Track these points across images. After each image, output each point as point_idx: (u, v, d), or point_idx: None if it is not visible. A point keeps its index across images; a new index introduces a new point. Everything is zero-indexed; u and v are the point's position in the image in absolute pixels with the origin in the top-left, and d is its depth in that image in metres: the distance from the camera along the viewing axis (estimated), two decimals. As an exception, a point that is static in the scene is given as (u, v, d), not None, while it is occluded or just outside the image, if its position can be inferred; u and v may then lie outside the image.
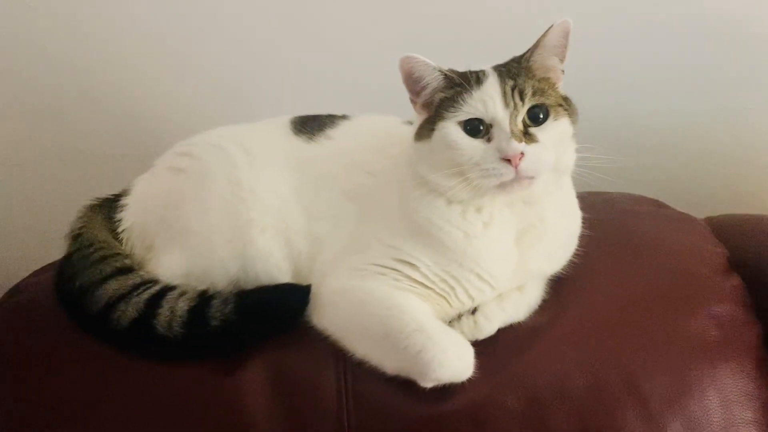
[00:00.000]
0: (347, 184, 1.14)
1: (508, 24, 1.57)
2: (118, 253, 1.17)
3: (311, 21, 1.65)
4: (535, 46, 1.04)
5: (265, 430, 0.99)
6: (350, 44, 1.67)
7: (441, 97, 1.03)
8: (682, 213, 1.36)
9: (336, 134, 1.22)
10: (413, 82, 1.04)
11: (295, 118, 1.28)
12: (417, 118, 1.08)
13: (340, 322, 1.04)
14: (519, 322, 1.09)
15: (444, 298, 1.05)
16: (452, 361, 0.96)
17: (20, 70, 1.65)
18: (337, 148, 1.19)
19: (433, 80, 1.03)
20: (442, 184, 1.02)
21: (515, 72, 1.02)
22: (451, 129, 1.00)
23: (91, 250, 1.17)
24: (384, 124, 1.24)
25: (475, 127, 0.99)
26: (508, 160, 0.96)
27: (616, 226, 1.26)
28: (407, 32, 1.61)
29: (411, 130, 1.08)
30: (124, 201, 1.25)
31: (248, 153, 1.17)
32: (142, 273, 1.14)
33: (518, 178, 0.97)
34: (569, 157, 1.05)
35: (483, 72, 1.04)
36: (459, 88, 1.01)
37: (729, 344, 1.08)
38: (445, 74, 1.03)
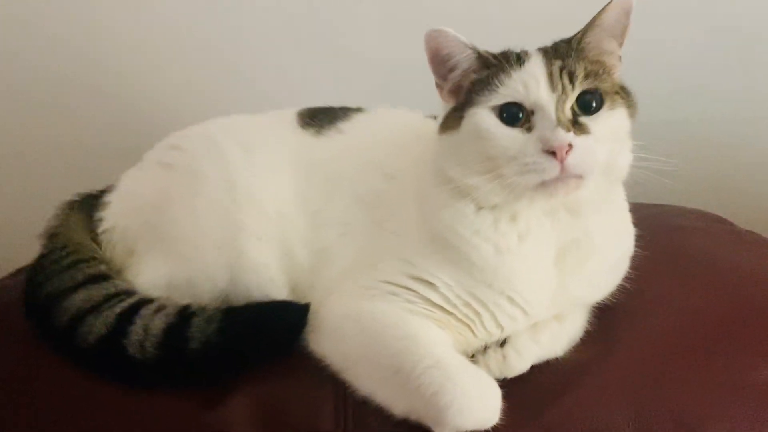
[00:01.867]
0: (361, 187, 0.98)
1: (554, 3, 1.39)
2: (94, 258, 1.02)
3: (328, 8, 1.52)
4: (590, 25, 0.88)
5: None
6: (370, 32, 1.53)
7: (473, 80, 0.87)
8: (751, 232, 1.18)
9: (349, 128, 1.06)
10: (440, 62, 0.88)
11: (304, 109, 1.12)
12: (443, 107, 0.91)
13: (342, 350, 0.87)
14: (557, 359, 0.91)
15: (467, 326, 0.88)
16: (474, 407, 0.79)
17: (24, 59, 1.55)
18: (349, 145, 1.03)
19: (465, 59, 0.87)
20: (470, 184, 0.85)
21: (564, 52, 0.86)
22: (483, 115, 0.84)
23: (64, 253, 1.03)
24: (404, 118, 1.08)
25: (514, 115, 0.83)
26: (553, 153, 0.79)
27: (672, 245, 1.09)
28: (434, 14, 1.44)
29: (436, 124, 0.92)
30: (107, 198, 1.10)
31: (246, 149, 1.02)
32: (117, 282, 0.98)
33: (564, 176, 0.80)
34: (625, 158, 0.88)
35: (525, 52, 0.87)
36: (495, 69, 0.85)
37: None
38: (480, 53, 0.87)
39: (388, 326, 0.85)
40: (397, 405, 0.82)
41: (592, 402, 0.86)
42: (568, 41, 0.89)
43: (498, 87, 0.84)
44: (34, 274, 1.02)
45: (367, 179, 0.98)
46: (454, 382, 0.79)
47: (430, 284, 0.87)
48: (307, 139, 1.05)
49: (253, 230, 0.96)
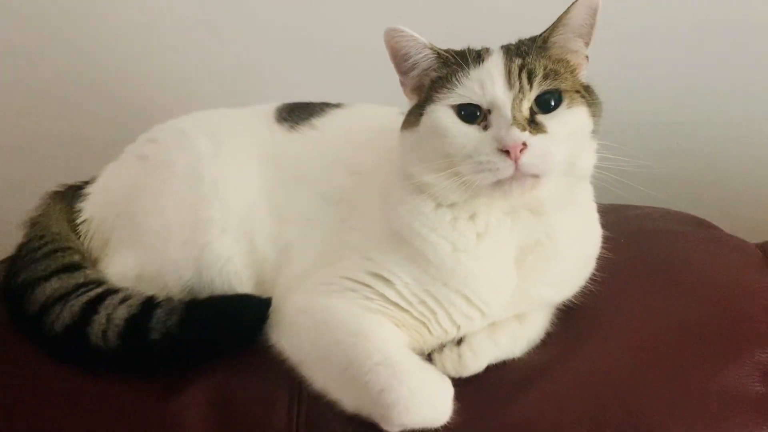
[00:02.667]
0: (327, 184, 0.98)
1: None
2: (70, 248, 1.04)
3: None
4: (556, 23, 0.87)
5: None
6: (364, 25, 1.51)
7: (433, 78, 0.87)
8: (732, 236, 1.15)
9: (322, 124, 1.06)
10: (400, 61, 0.88)
11: (285, 104, 1.13)
12: (408, 106, 0.92)
13: (298, 344, 0.88)
14: (514, 359, 0.91)
15: (423, 324, 0.88)
16: (421, 405, 0.79)
17: (25, 52, 1.57)
18: (320, 141, 1.04)
19: (423, 59, 0.87)
20: (428, 181, 0.85)
21: (525, 50, 0.85)
22: (441, 113, 0.84)
23: (42, 242, 1.05)
24: (379, 114, 1.08)
25: (471, 112, 0.83)
26: (507, 152, 0.78)
27: (646, 247, 1.07)
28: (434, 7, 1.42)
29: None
30: (87, 190, 1.12)
31: (215, 142, 1.03)
32: (89, 272, 1.00)
33: (519, 175, 0.79)
34: (587, 157, 0.87)
35: (486, 50, 0.87)
36: (454, 67, 0.85)
37: (779, 404, 0.87)
38: (438, 53, 0.86)
39: (341, 321, 0.85)
40: (348, 401, 0.83)
41: (548, 405, 0.85)
42: (532, 39, 0.88)
43: (456, 86, 0.83)
44: (13, 262, 1.05)
45: (332, 175, 0.98)
46: (401, 380, 0.79)
47: (387, 281, 0.87)
48: (280, 134, 1.06)
49: (218, 224, 0.97)
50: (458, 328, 0.88)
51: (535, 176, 0.80)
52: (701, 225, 1.17)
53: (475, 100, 0.82)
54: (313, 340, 0.87)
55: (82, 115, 1.60)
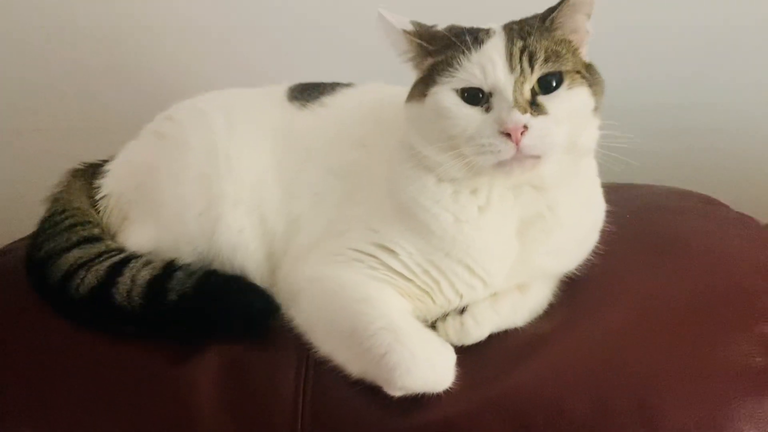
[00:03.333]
0: (334, 158, 1.01)
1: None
2: (89, 221, 1.08)
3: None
4: (562, 4, 0.87)
5: (211, 428, 0.86)
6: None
7: (431, 63, 0.88)
8: (740, 213, 1.15)
9: (332, 102, 1.09)
10: (393, 45, 0.91)
11: (296, 84, 1.15)
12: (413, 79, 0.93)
13: (306, 311, 0.91)
14: (516, 328, 0.93)
15: (427, 293, 0.90)
16: (422, 369, 0.81)
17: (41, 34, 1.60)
18: (329, 118, 1.06)
19: (411, 49, 0.90)
20: (432, 158, 0.87)
21: (528, 31, 0.86)
22: (443, 95, 0.85)
23: (63, 216, 1.09)
24: (388, 91, 1.10)
25: (474, 95, 0.84)
26: (508, 135, 0.80)
27: (652, 222, 1.08)
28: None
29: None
30: (107, 167, 1.16)
31: (230, 119, 1.06)
32: (109, 242, 1.04)
33: (520, 156, 0.81)
34: (589, 135, 0.88)
35: (487, 31, 0.88)
36: (453, 51, 0.85)
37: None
38: (419, 41, 0.88)
39: (347, 289, 0.88)
40: (353, 365, 0.85)
41: (549, 374, 0.86)
42: (536, 18, 0.88)
43: (457, 69, 0.84)
44: (35, 236, 1.09)
45: (339, 149, 1.00)
46: (403, 344, 0.81)
47: (392, 251, 0.89)
48: (291, 111, 1.09)
49: (231, 197, 1.00)
50: (461, 297, 0.90)
51: (536, 157, 0.82)
52: (707, 202, 1.17)
53: (476, 84, 0.83)
54: (320, 307, 0.89)
55: (101, 98, 1.64)
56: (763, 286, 0.97)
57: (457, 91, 0.84)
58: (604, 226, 0.97)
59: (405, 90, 1.08)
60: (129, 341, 0.94)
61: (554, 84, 0.84)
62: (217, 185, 1.00)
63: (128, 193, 1.10)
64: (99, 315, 0.96)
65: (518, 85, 0.82)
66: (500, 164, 0.82)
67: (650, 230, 1.06)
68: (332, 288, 0.89)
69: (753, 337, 0.90)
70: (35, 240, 1.08)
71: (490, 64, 0.83)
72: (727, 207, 1.19)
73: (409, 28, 0.88)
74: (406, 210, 0.90)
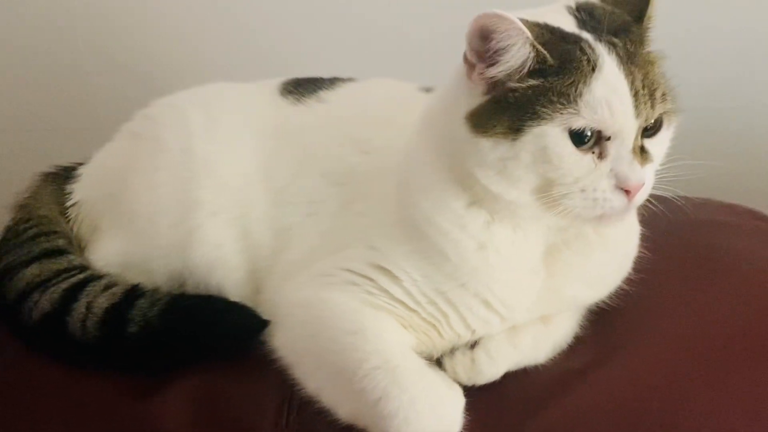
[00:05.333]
0: (333, 163, 0.88)
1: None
2: (55, 232, 0.97)
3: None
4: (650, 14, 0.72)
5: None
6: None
7: (531, 85, 0.67)
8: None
9: (331, 98, 0.96)
10: (487, 49, 0.68)
11: (292, 78, 1.03)
12: (466, 88, 0.71)
13: (292, 342, 0.78)
14: (537, 366, 0.80)
15: (433, 326, 0.77)
16: (424, 417, 0.69)
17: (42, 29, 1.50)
18: (328, 115, 0.93)
19: (520, 57, 0.67)
20: (508, 198, 0.71)
21: (632, 50, 0.69)
22: (555, 138, 0.67)
23: (27, 226, 0.98)
24: (396, 89, 0.97)
25: (581, 133, 0.68)
26: (626, 191, 0.68)
27: (692, 241, 0.95)
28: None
29: (441, 101, 0.78)
30: (80, 171, 1.05)
31: (210, 117, 0.94)
32: (72, 257, 0.93)
33: (626, 209, 0.70)
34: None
35: (585, 42, 0.68)
36: (567, 74, 0.67)
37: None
38: (543, 52, 0.67)
39: (338, 318, 0.75)
40: (342, 408, 0.73)
41: (573, 420, 0.74)
42: (629, 22, 0.71)
43: (576, 102, 0.66)
44: (-1, 246, 0.98)
45: (340, 153, 0.87)
46: (402, 388, 0.69)
47: (394, 276, 0.76)
48: (283, 108, 0.96)
49: (209, 205, 0.88)
50: (473, 332, 0.77)
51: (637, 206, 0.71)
52: (750, 215, 1.04)
53: (600, 128, 0.67)
54: (307, 337, 0.77)
55: (88, 94, 1.53)
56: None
57: (568, 131, 0.67)
58: (639, 251, 0.84)
59: (413, 87, 0.97)
60: (88, 371, 0.83)
61: (653, 121, 0.70)
62: (194, 191, 0.88)
63: (100, 200, 0.98)
64: (53, 344, 0.84)
65: (639, 131, 0.68)
66: (602, 216, 0.70)
67: (686, 248, 0.93)
68: (321, 316, 0.77)
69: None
70: (-4, 251, 0.96)
71: (618, 105, 0.66)
72: (773, 221, 1.05)
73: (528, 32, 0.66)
74: (417, 229, 0.76)
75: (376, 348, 0.72)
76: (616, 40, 0.69)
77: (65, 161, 1.11)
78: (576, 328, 0.83)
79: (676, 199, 1.09)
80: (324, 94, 0.96)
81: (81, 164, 1.08)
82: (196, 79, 1.21)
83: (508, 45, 0.66)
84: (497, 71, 0.68)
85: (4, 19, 1.47)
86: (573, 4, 0.74)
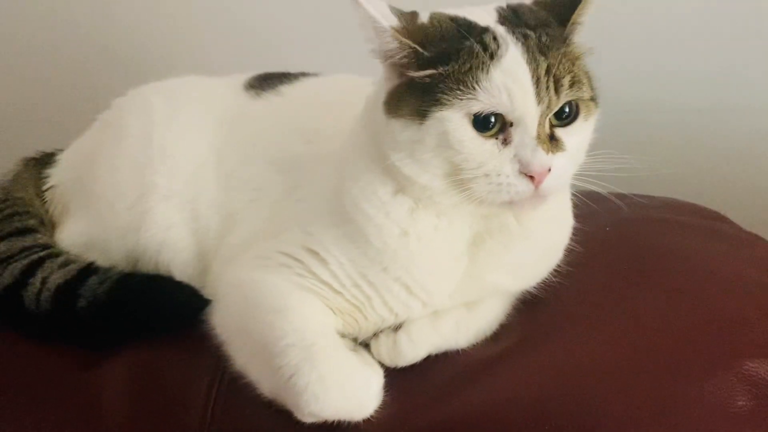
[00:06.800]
0: (279, 151, 0.92)
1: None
2: (27, 212, 1.02)
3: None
4: (582, 5, 0.73)
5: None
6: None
7: (429, 74, 0.70)
8: (748, 233, 1.01)
9: (288, 91, 0.99)
10: (372, 42, 0.72)
11: (262, 73, 1.07)
12: (386, 74, 0.76)
13: (225, 320, 0.82)
14: (458, 351, 0.81)
15: (358, 308, 0.80)
16: (334, 395, 0.71)
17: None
18: (280, 108, 0.97)
19: (393, 47, 0.70)
20: (420, 183, 0.73)
21: (546, 42, 0.71)
22: (456, 123, 0.69)
23: (4, 205, 1.04)
24: (351, 84, 1.00)
25: (486, 121, 0.70)
26: (530, 176, 0.70)
27: (633, 237, 0.95)
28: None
29: (375, 91, 0.80)
30: (58, 156, 1.10)
31: (171, 106, 0.98)
32: (39, 236, 0.98)
33: (536, 196, 0.71)
34: (583, 155, 0.77)
35: (494, 35, 0.70)
36: (465, 62, 0.69)
37: (764, 421, 0.74)
38: (413, 44, 0.69)
39: (266, 297, 0.79)
40: (264, 384, 0.76)
41: (488, 405, 0.75)
42: (551, 18, 0.73)
43: (474, 89, 0.68)
44: (-24, 225, 1.04)
45: (286, 143, 0.91)
46: (313, 365, 0.72)
47: (322, 259, 0.79)
48: (243, 101, 1.00)
49: (162, 189, 0.92)
50: (396, 315, 0.80)
51: (547, 195, 0.72)
52: (710, 217, 1.04)
53: (501, 111, 0.69)
54: (238, 315, 0.81)
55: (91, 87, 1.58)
56: (757, 316, 0.83)
57: (470, 116, 0.70)
58: (570, 245, 0.85)
59: (371, 81, 0.99)
60: (40, 342, 0.87)
61: (568, 111, 0.72)
62: (148, 176, 0.93)
63: (70, 183, 1.04)
64: (11, 315, 0.89)
65: (542, 117, 0.70)
66: (511, 202, 0.72)
67: (631, 246, 0.93)
68: (251, 295, 0.80)
69: (737, 375, 0.77)
70: (-26, 229, 1.03)
71: (518, 90, 0.68)
72: (733, 224, 1.05)
73: (396, 23, 0.70)
74: (346, 214, 0.79)
75: (295, 327, 0.75)
76: (529, 32, 0.71)
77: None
78: (502, 316, 0.85)
79: (651, 197, 1.11)
80: (283, 88, 1.00)
81: (61, 150, 1.14)
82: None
83: (378, 34, 0.70)
84: (391, 60, 0.71)
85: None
86: (505, 4, 0.77)
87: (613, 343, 0.81)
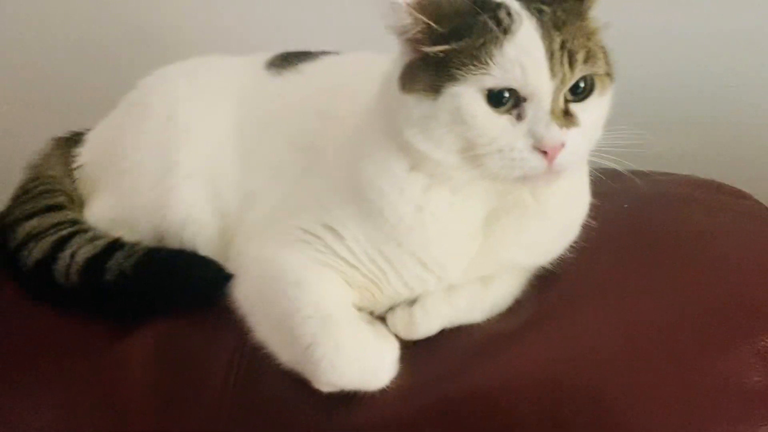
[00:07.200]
0: (296, 129, 0.93)
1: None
2: (58, 190, 1.06)
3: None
4: None
5: (138, 406, 0.82)
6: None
7: (443, 49, 0.71)
8: (758, 204, 1.00)
9: (308, 69, 1.01)
10: (386, 19, 0.72)
11: (283, 52, 1.08)
12: (402, 50, 0.76)
13: (247, 293, 0.84)
14: (472, 325, 0.83)
15: (374, 282, 0.81)
16: (350, 364, 0.73)
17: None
18: (299, 85, 0.99)
19: (408, 23, 0.71)
20: (434, 158, 0.74)
21: (561, 17, 0.71)
22: (470, 99, 0.70)
23: (35, 184, 1.08)
24: (370, 61, 1.00)
25: (500, 96, 0.70)
26: (543, 151, 0.70)
27: (654, 214, 0.95)
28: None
29: (391, 67, 0.80)
30: (86, 136, 1.14)
31: (194, 85, 1.00)
32: (69, 213, 1.02)
33: (549, 172, 0.71)
34: (599, 132, 0.77)
35: (508, 10, 0.70)
36: (479, 37, 0.69)
37: (778, 398, 0.74)
38: (427, 20, 0.70)
39: (286, 271, 0.81)
40: (283, 354, 0.79)
41: (501, 380, 0.76)
42: (566, 0, 0.72)
43: (488, 64, 0.68)
44: (10, 203, 1.08)
45: (303, 120, 0.92)
46: (329, 335, 0.74)
47: (339, 235, 0.81)
48: (263, 79, 1.02)
49: (185, 167, 0.94)
50: (411, 289, 0.81)
51: (561, 171, 0.72)
52: (732, 195, 1.02)
53: (513, 86, 0.69)
54: (259, 289, 0.83)
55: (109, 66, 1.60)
56: (771, 295, 0.83)
57: (483, 91, 0.70)
58: (587, 221, 0.85)
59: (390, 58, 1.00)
60: (71, 314, 0.91)
61: (583, 86, 0.72)
62: (173, 154, 0.95)
63: (98, 162, 1.07)
64: (42, 288, 0.93)
65: (557, 92, 0.70)
66: (525, 178, 0.72)
67: (650, 223, 0.92)
68: (272, 270, 0.82)
69: (752, 352, 0.77)
70: (8, 205, 1.07)
71: (531, 65, 0.68)
72: (761, 204, 1.03)
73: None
74: (361, 192, 0.80)
75: (313, 299, 0.77)
76: (545, 7, 0.71)
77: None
78: (517, 291, 0.86)
79: (670, 174, 1.10)
80: (303, 66, 1.01)
81: (89, 130, 1.17)
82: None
83: (393, 10, 0.70)
84: (405, 36, 0.72)
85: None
86: None
87: (627, 321, 0.81)
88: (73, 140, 1.16)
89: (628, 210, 0.93)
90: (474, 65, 0.69)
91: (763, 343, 0.77)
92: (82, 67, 1.58)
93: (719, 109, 1.31)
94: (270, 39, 1.46)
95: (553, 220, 0.82)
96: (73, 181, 1.09)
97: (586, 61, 0.70)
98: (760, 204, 1.04)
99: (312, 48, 1.09)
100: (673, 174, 1.11)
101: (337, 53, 1.06)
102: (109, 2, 1.57)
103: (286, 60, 1.04)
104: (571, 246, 0.85)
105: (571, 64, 0.69)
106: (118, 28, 1.58)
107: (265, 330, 0.81)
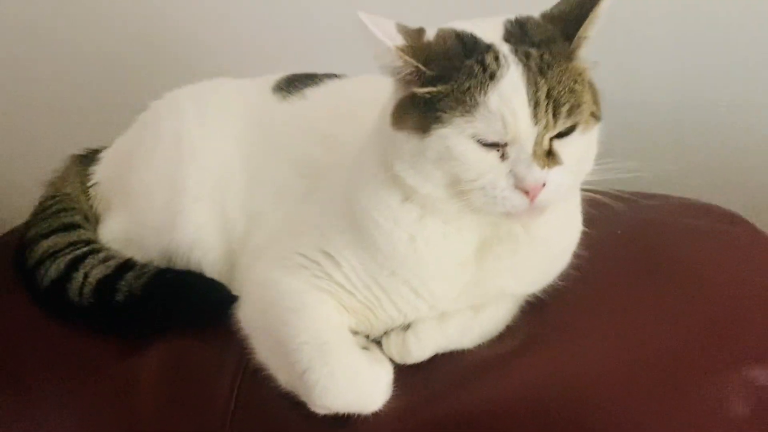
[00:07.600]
0: (300, 154, 0.97)
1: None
2: (74, 208, 1.11)
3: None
4: (587, 23, 0.74)
5: (148, 424, 0.86)
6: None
7: (430, 92, 0.72)
8: (763, 235, 1.01)
9: (312, 94, 1.04)
10: (378, 59, 0.75)
11: (290, 75, 1.11)
12: (396, 86, 0.79)
13: (249, 316, 0.88)
14: (464, 351, 0.86)
15: (369, 308, 0.85)
16: (342, 389, 0.77)
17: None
18: (304, 111, 1.02)
19: (397, 64, 0.73)
20: (422, 192, 0.77)
21: (548, 61, 0.71)
22: (455, 141, 0.72)
23: (53, 202, 1.13)
24: (374, 86, 1.03)
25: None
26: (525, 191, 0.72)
27: (646, 242, 0.97)
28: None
29: (386, 101, 0.82)
30: (102, 154, 1.18)
31: (202, 109, 1.04)
32: (84, 232, 1.06)
33: (532, 209, 0.74)
34: (588, 165, 0.79)
35: (496, 55, 0.71)
36: (462, 82, 0.71)
37: (761, 427, 0.76)
38: (416, 63, 0.72)
39: (284, 297, 0.84)
40: (281, 376, 0.83)
41: (488, 405, 0.79)
42: (556, 34, 0.73)
43: (470, 113, 0.70)
44: (29, 220, 1.13)
45: (306, 146, 0.96)
46: (324, 362, 0.77)
47: (336, 262, 0.84)
48: (270, 103, 1.05)
49: (193, 190, 0.98)
50: (404, 315, 0.84)
51: (545, 208, 0.75)
52: (725, 220, 1.03)
53: (495, 139, 0.71)
54: (260, 312, 0.87)
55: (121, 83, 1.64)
56: (760, 322, 0.84)
57: (470, 137, 0.72)
58: (577, 251, 0.88)
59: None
60: (84, 332, 0.95)
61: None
62: (181, 177, 0.99)
63: (112, 181, 1.11)
64: (57, 306, 0.98)
65: (539, 137, 0.72)
66: (508, 214, 0.74)
67: (642, 251, 0.95)
68: (272, 295, 0.86)
69: (737, 381, 0.79)
70: (28, 221, 1.12)
71: (511, 116, 0.70)
72: (752, 228, 1.04)
73: (401, 42, 0.72)
74: (357, 221, 0.83)
75: (310, 325, 0.80)
76: (532, 50, 0.72)
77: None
78: (508, 318, 0.89)
79: (666, 197, 1.11)
80: (308, 90, 1.04)
81: (106, 148, 1.22)
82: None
83: (384, 52, 0.72)
84: (397, 76, 0.74)
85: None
86: (513, 18, 0.78)
87: (615, 347, 0.83)
88: (89, 158, 1.20)
89: (620, 236, 0.95)
90: (460, 109, 0.71)
91: (746, 372, 0.79)
92: (102, 83, 1.63)
93: (711, 130, 1.32)
94: (280, 57, 1.51)
95: (544, 250, 0.84)
96: (89, 199, 1.14)
97: (569, 114, 0.72)
98: (753, 228, 1.05)
99: (319, 68, 1.12)
100: (667, 196, 1.13)
101: (341, 77, 1.09)
102: (128, 21, 1.61)
103: (292, 83, 1.08)
104: (562, 274, 0.88)
105: (555, 115, 0.71)
106: (136, 42, 1.62)
107: (264, 352, 0.85)
